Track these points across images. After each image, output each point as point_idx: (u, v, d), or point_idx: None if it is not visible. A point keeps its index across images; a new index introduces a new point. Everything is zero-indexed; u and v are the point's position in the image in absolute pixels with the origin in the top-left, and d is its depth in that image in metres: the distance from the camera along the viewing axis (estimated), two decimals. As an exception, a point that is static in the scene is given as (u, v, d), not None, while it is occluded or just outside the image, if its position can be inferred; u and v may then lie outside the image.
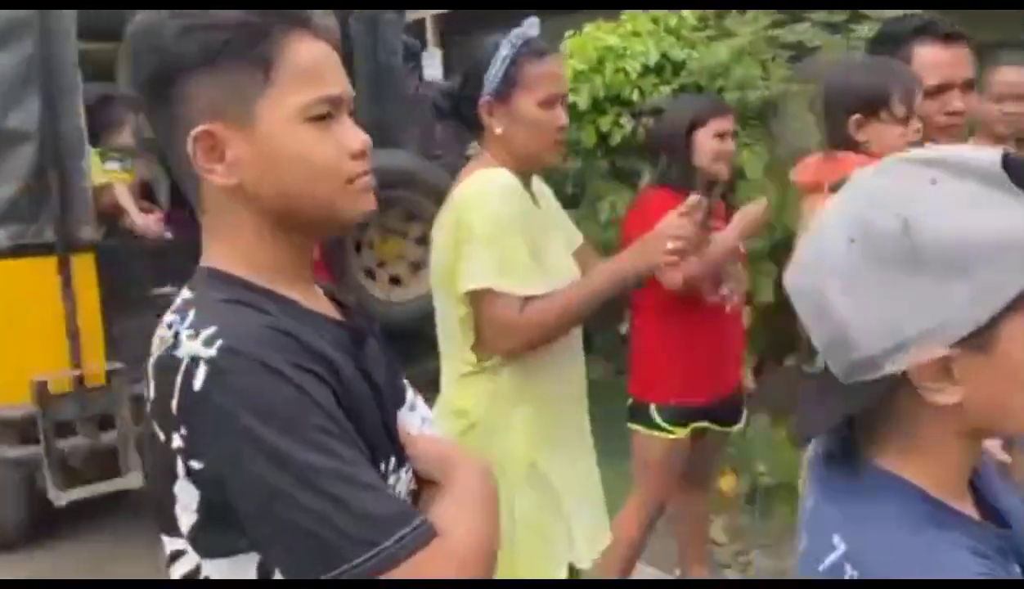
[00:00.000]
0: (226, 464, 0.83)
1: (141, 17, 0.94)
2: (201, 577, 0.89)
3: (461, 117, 1.97)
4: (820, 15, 3.76)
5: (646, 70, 4.16)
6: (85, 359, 3.09)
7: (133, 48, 0.94)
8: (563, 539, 1.92)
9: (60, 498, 2.95)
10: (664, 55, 4.20)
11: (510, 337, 1.80)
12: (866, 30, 3.87)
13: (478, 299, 1.78)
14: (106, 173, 3.59)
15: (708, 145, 2.57)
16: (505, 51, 1.84)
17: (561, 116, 1.87)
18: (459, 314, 1.84)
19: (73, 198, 3.04)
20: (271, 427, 0.82)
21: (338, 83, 0.95)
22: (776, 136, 4.03)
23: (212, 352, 0.83)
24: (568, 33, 4.46)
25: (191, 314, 0.89)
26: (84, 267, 3.10)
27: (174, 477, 0.86)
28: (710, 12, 4.29)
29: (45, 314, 3.05)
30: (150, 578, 2.82)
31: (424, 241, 3.78)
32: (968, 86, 1.90)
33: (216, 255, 0.96)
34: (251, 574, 0.88)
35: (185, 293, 0.94)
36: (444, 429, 1.87)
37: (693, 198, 1.75)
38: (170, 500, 0.88)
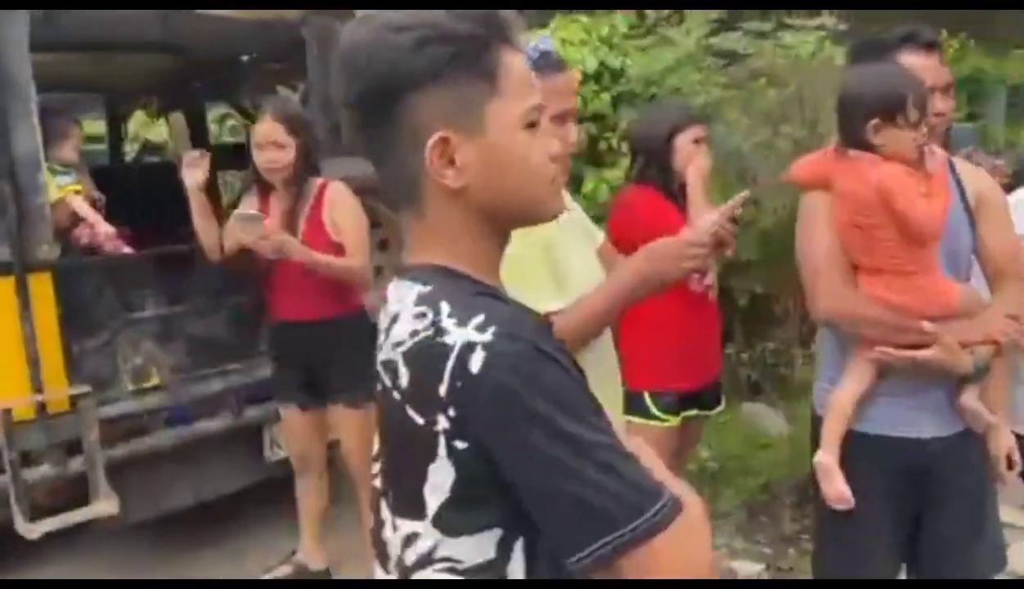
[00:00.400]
0: (506, 442, 0.88)
1: (357, 31, 0.97)
2: (437, 556, 0.95)
3: None
4: (752, 24, 4.00)
5: (585, 78, 4.30)
6: (47, 384, 2.94)
7: (352, 62, 0.97)
8: None
9: (31, 531, 2.80)
10: (601, 63, 4.35)
11: None
12: (789, 38, 4.16)
13: None
14: (60, 188, 3.43)
15: (687, 150, 2.74)
16: None
17: (572, 131, 1.88)
18: None
19: (30, 215, 2.89)
20: (551, 405, 0.87)
21: (539, 91, 1.01)
22: (711, 140, 4.23)
23: (488, 337, 0.88)
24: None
25: (444, 305, 0.93)
26: (42, 287, 2.95)
27: (431, 457, 0.91)
28: (643, 21, 4.46)
29: (3, 337, 2.88)
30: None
31: (385, 247, 3.78)
32: (946, 89, 2.10)
33: (437, 253, 1.01)
34: (490, 551, 0.93)
35: (416, 287, 0.98)
36: None
37: (738, 198, 1.82)
38: (419, 481, 0.93)
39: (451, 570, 0.95)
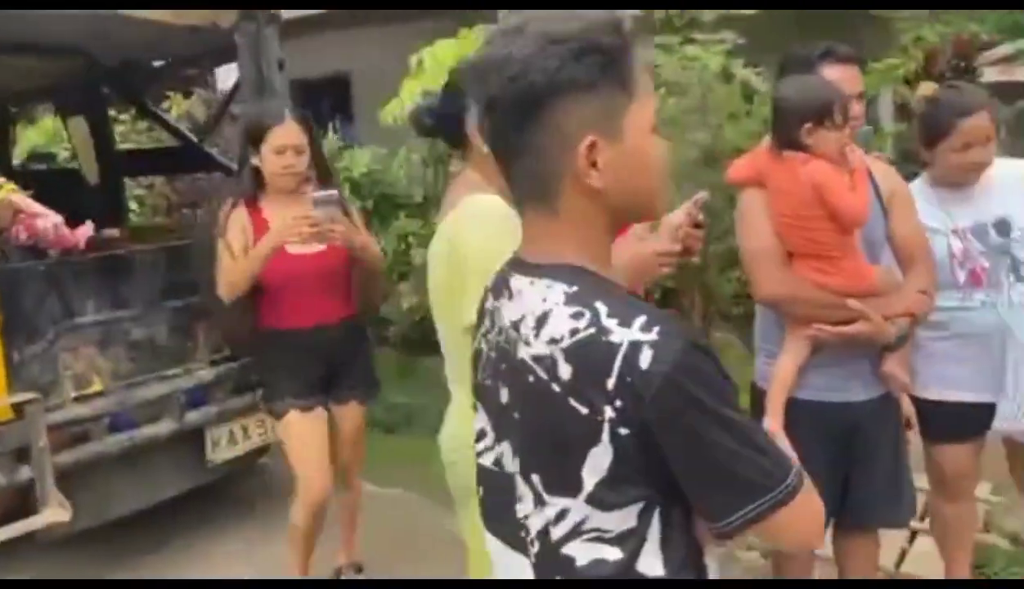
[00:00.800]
0: (671, 427, 1.00)
1: (507, 41, 1.04)
2: (585, 528, 1.06)
3: (442, 134, 2.04)
4: (660, 37, 4.30)
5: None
6: (-11, 392, 2.88)
7: (505, 68, 1.03)
8: None
9: (-15, 540, 2.74)
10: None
11: None
12: (690, 51, 4.49)
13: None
14: (-1, 188, 3.32)
15: None
16: None
17: None
18: (464, 342, 1.82)
19: (-32, 220, 2.83)
20: (710, 394, 1.00)
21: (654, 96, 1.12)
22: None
23: (653, 336, 0.99)
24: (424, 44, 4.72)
25: (601, 306, 1.02)
26: (-20, 293, 2.89)
27: (594, 442, 1.01)
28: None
29: (-58, 346, 2.81)
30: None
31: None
32: (861, 96, 2.41)
33: (569, 251, 1.10)
34: (632, 520, 1.05)
35: (560, 286, 1.07)
36: (465, 436, 1.95)
37: (695, 200, 1.96)
38: (577, 463, 1.03)
39: (598, 539, 1.06)
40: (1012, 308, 2.50)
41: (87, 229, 3.43)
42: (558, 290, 1.06)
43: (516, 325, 1.11)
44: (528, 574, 1.14)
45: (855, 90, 2.37)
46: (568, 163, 1.05)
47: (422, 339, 5.76)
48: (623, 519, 1.04)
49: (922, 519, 3.28)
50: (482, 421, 1.22)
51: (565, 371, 1.02)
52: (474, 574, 2.02)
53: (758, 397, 2.40)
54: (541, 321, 1.06)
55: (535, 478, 1.09)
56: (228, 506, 3.79)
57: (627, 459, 1.01)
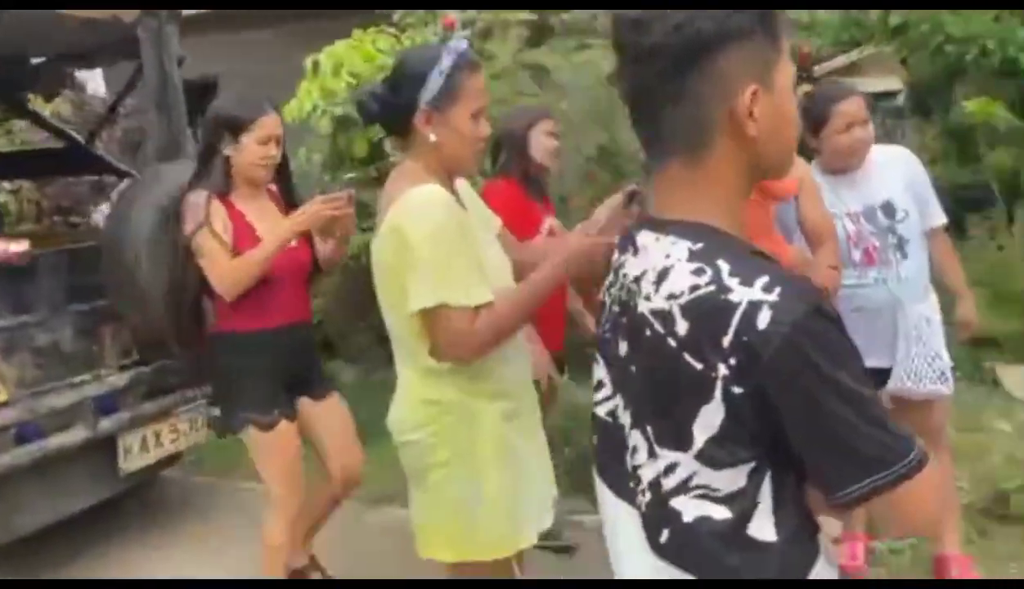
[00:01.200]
0: (788, 392, 0.98)
1: None
2: (693, 484, 1.05)
3: (387, 121, 2.05)
4: (556, 41, 4.49)
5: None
6: None
7: (667, 17, 1.03)
8: (534, 510, 2.05)
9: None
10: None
11: (465, 347, 1.88)
12: (587, 56, 4.70)
13: (430, 315, 1.86)
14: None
15: (540, 141, 3.15)
16: (445, 63, 1.91)
17: (486, 127, 2.00)
18: (413, 328, 1.92)
19: None
20: (832, 362, 0.97)
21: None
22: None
23: (774, 298, 0.97)
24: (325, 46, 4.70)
25: (723, 263, 1.02)
26: None
27: (706, 399, 1.00)
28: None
29: None
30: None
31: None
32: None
33: (707, 207, 1.09)
34: (742, 481, 1.03)
35: (684, 243, 1.07)
36: (419, 417, 2.00)
37: (625, 192, 2.02)
38: (689, 418, 1.02)
39: (705, 497, 1.05)
40: (901, 283, 2.77)
41: (21, 245, 3.23)
42: (682, 246, 1.07)
43: (638, 279, 1.12)
44: (635, 524, 1.14)
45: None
46: (726, 112, 1.05)
47: (321, 343, 5.70)
48: (732, 479, 1.03)
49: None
50: (601, 372, 1.23)
51: (682, 326, 1.02)
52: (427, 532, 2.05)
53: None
54: (662, 276, 1.07)
55: (649, 429, 1.10)
56: (136, 512, 3.64)
57: (739, 418, 1.00)
